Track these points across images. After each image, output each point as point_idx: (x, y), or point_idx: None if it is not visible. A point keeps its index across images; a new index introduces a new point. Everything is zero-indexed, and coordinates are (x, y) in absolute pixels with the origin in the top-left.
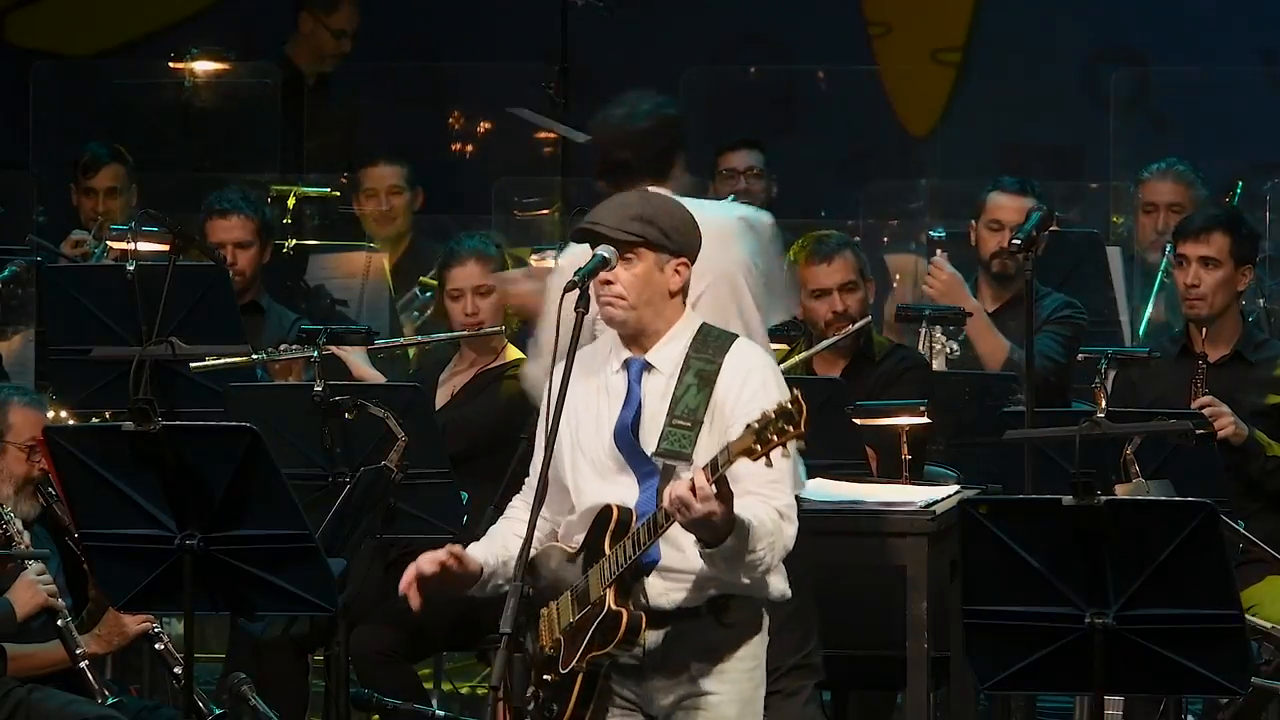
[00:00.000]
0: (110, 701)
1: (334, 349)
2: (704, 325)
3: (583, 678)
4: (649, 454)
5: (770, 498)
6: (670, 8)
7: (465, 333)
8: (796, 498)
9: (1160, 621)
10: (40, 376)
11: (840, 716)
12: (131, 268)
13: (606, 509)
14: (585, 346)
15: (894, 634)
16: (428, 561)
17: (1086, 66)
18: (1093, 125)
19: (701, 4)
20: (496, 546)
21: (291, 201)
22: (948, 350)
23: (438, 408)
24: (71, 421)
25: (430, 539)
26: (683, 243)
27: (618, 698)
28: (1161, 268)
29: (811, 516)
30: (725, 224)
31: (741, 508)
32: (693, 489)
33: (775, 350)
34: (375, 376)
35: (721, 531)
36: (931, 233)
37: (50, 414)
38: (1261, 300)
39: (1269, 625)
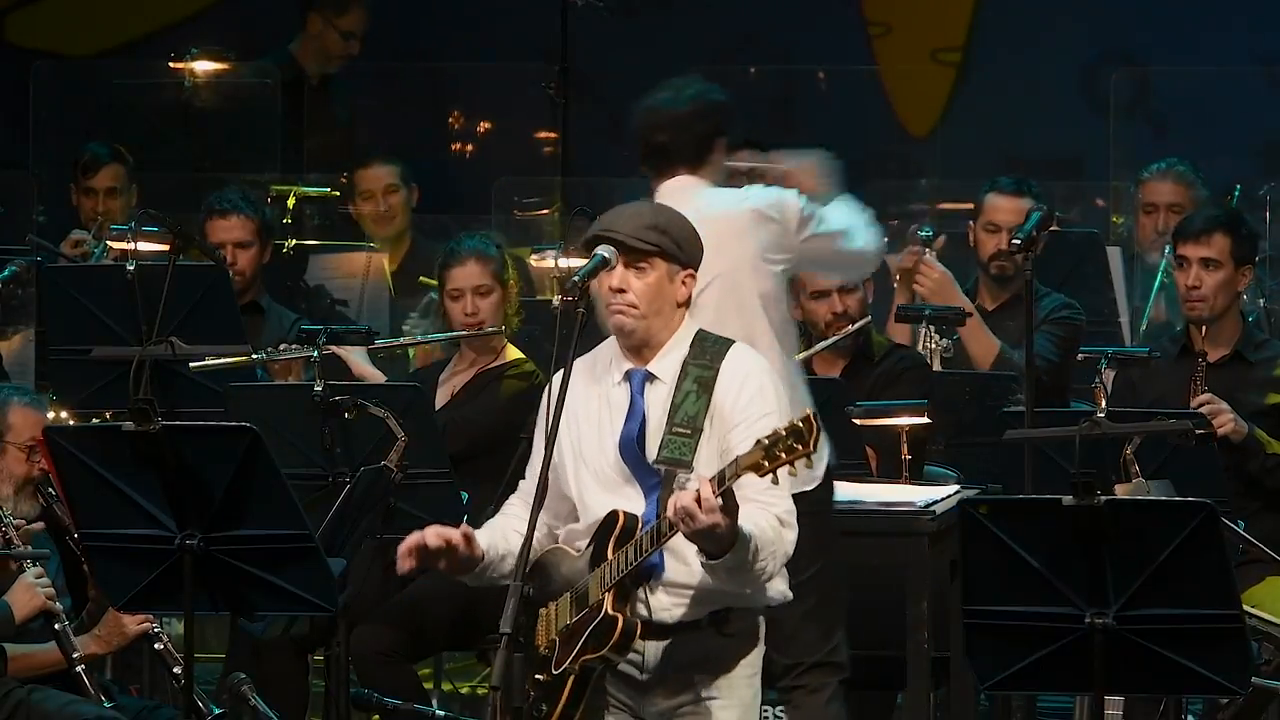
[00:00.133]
0: (109, 705)
1: (334, 348)
2: (700, 332)
3: (574, 679)
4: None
5: (769, 504)
6: (670, 8)
7: (465, 333)
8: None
9: (1160, 621)
10: (40, 376)
11: None
12: (131, 268)
13: (613, 514)
14: (584, 356)
15: (894, 634)
16: (434, 535)
17: (1086, 67)
18: (1093, 125)
19: (701, 4)
20: (496, 538)
21: (291, 201)
22: (941, 349)
23: (438, 408)
24: (71, 421)
25: None
26: (691, 254)
27: (613, 702)
28: (1161, 268)
29: None
30: (732, 220)
31: (743, 517)
32: (698, 500)
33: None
34: (375, 375)
35: (725, 543)
36: (920, 231)
37: (50, 414)
38: (1261, 300)
39: (1268, 617)
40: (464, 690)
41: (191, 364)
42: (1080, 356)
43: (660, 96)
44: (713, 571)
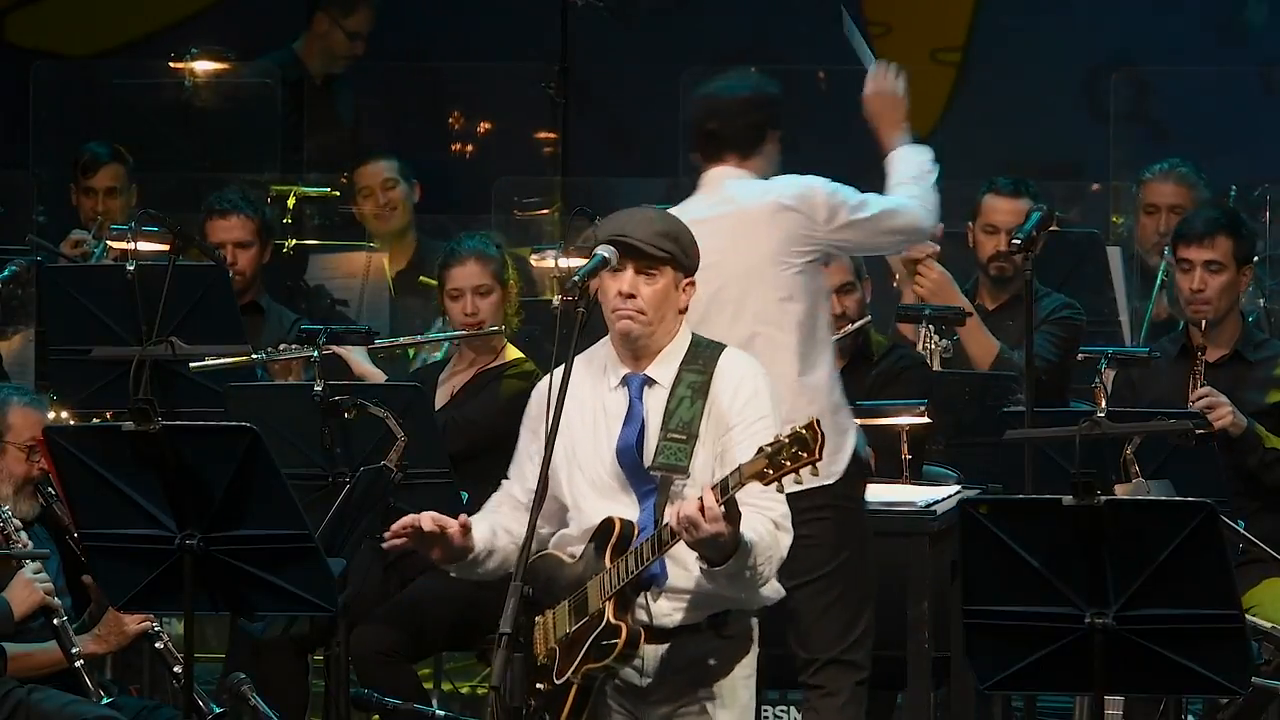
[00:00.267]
0: (106, 701)
1: (334, 348)
2: (694, 337)
3: (577, 689)
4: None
5: (765, 509)
6: (670, 8)
7: (465, 333)
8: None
9: (1160, 621)
10: (40, 376)
11: None
12: (131, 268)
13: (608, 521)
14: (577, 357)
15: (894, 634)
16: (430, 519)
17: (1086, 67)
18: (1092, 125)
19: (701, 4)
20: (487, 534)
21: (291, 201)
22: (941, 349)
23: (438, 408)
24: (71, 421)
25: None
26: (694, 262)
27: (613, 707)
28: (1162, 267)
29: None
30: (752, 213)
31: (741, 524)
32: (701, 509)
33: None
34: (376, 374)
35: (727, 551)
36: None
37: (50, 414)
38: (1261, 300)
39: (1269, 625)
40: (464, 690)
41: (191, 364)
42: (1080, 356)
43: (717, 84)
44: (712, 578)
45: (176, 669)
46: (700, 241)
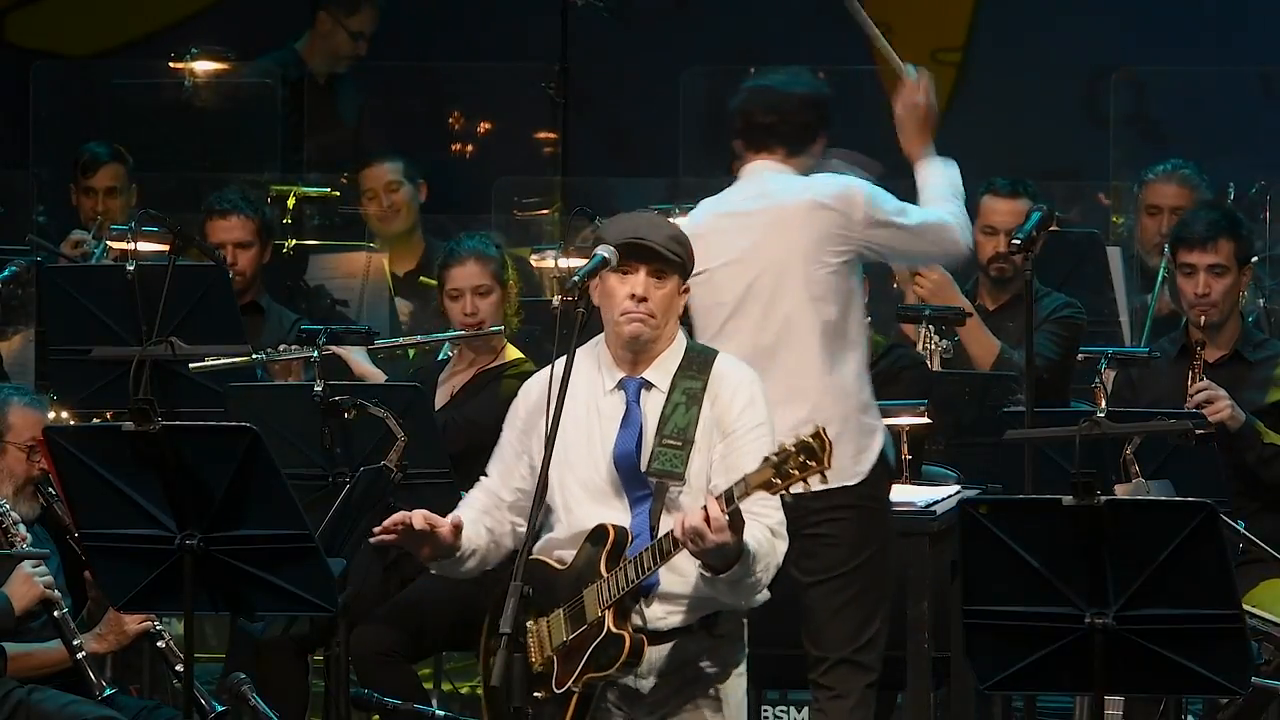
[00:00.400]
0: (108, 693)
1: (334, 349)
2: (689, 343)
3: (578, 698)
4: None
5: (762, 516)
6: (669, 8)
7: (465, 333)
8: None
9: (1160, 621)
10: (40, 376)
11: None
12: (131, 268)
13: (602, 528)
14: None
15: (894, 634)
16: (421, 518)
17: (1086, 67)
18: (1092, 125)
19: (701, 4)
20: (471, 534)
21: (291, 201)
22: (941, 349)
23: (437, 408)
24: (71, 421)
25: None
26: (693, 268)
27: (611, 711)
28: (1163, 264)
29: None
30: (787, 210)
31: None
32: (706, 519)
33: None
34: (375, 374)
35: (730, 559)
36: None
37: (50, 414)
38: (1261, 300)
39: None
40: (464, 690)
41: (191, 365)
42: (1080, 356)
43: (774, 78)
44: (712, 585)
45: (177, 669)
46: (736, 235)
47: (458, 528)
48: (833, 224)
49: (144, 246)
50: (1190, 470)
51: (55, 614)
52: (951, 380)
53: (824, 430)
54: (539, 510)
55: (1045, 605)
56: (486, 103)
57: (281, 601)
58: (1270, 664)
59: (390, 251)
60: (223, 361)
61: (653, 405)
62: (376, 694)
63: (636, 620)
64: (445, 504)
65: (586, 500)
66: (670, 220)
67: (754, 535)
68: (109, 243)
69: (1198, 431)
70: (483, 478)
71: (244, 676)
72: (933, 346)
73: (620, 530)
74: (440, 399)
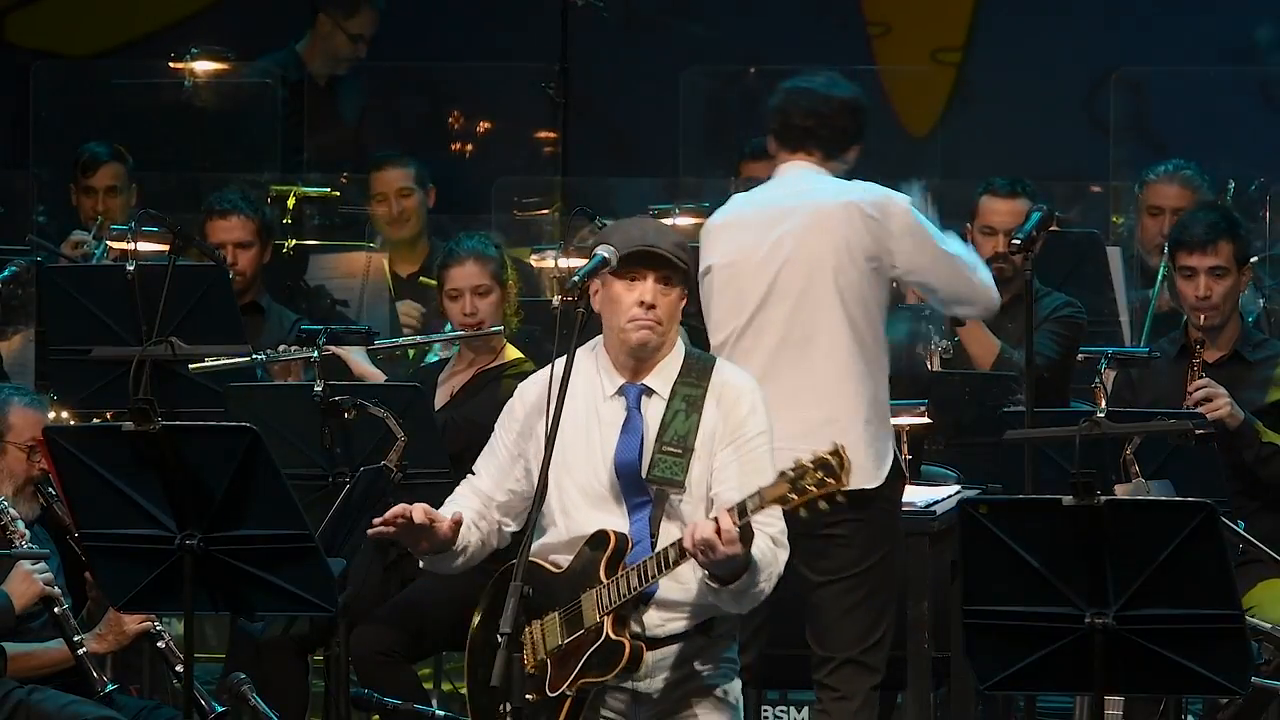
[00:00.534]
0: (110, 688)
1: (334, 349)
2: (688, 350)
3: (570, 702)
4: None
5: (764, 525)
6: (670, 7)
7: (465, 333)
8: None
9: (1160, 621)
10: (40, 376)
11: None
12: (131, 268)
13: (602, 534)
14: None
15: (894, 634)
16: (422, 512)
17: (1086, 68)
18: (1093, 125)
19: (701, 5)
20: (464, 529)
21: (291, 201)
22: (941, 349)
23: (437, 408)
24: (71, 421)
25: None
26: (695, 274)
27: (607, 713)
28: (1163, 265)
29: None
30: (824, 209)
31: None
32: (718, 531)
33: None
34: (375, 374)
35: (739, 571)
36: None
37: (50, 414)
38: (1261, 300)
39: (1269, 626)
40: (464, 690)
41: (191, 366)
42: (1080, 356)
43: (817, 80)
44: (716, 595)
45: (177, 669)
46: (768, 229)
47: (457, 523)
48: (867, 229)
49: (144, 246)
50: (1190, 470)
51: (55, 610)
52: (951, 380)
53: (843, 449)
54: (538, 511)
55: (1045, 605)
56: (486, 103)
57: (281, 601)
58: (1270, 664)
59: (394, 253)
60: (222, 362)
61: (653, 412)
62: (376, 694)
63: (634, 627)
64: (444, 504)
65: (585, 505)
66: (671, 226)
67: (758, 545)
68: (109, 243)
69: (1197, 431)
70: (470, 475)
71: (244, 676)
72: (934, 347)
73: (620, 536)
74: (440, 399)
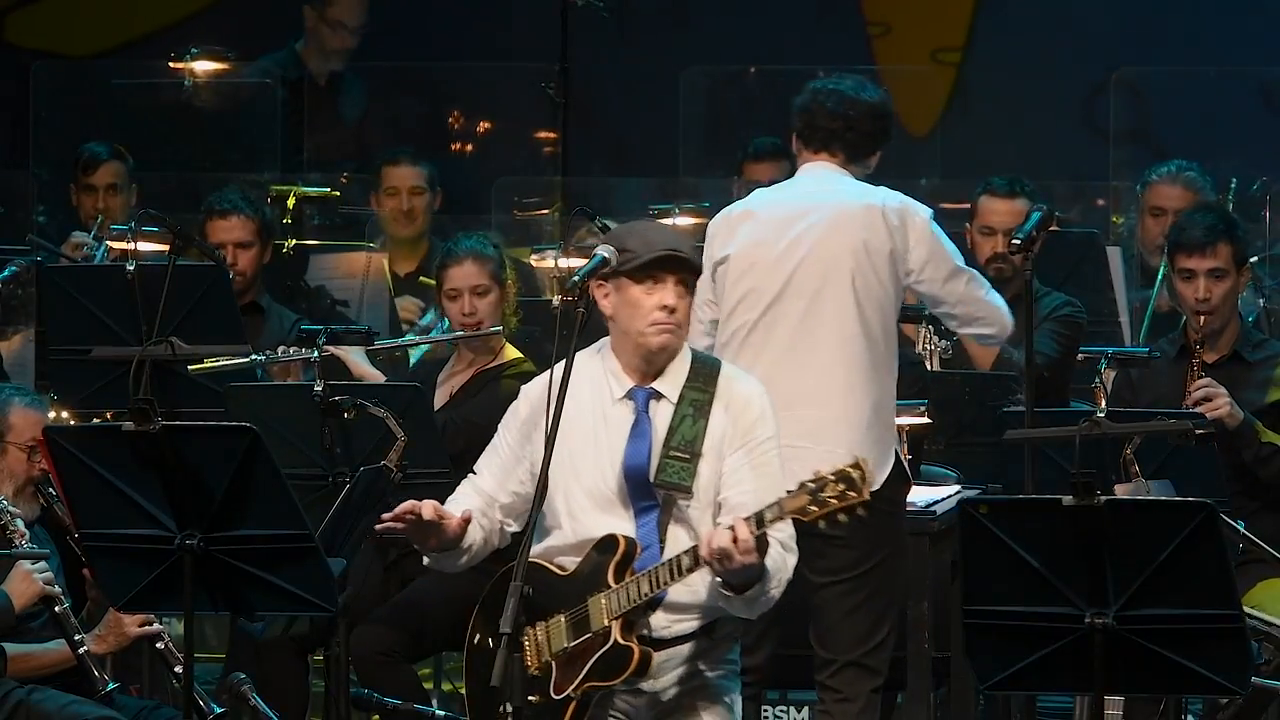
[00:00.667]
0: (110, 687)
1: (333, 349)
2: (694, 353)
3: (575, 704)
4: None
5: (773, 531)
6: (669, 7)
7: (465, 333)
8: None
9: (1160, 621)
10: (40, 376)
11: None
12: (131, 268)
13: (611, 538)
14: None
15: (895, 634)
16: (431, 509)
17: (1086, 67)
18: (1092, 125)
19: (701, 5)
20: (470, 527)
21: (291, 201)
22: (940, 349)
23: (437, 408)
24: (71, 421)
25: None
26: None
27: (610, 714)
28: (1163, 265)
29: None
30: (847, 212)
31: None
32: (734, 540)
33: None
34: (375, 375)
35: (753, 580)
36: None
37: (50, 414)
38: (1261, 300)
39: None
40: (464, 690)
41: (190, 366)
42: (1080, 356)
43: (845, 83)
44: (729, 601)
45: (177, 669)
46: (787, 225)
47: (466, 520)
48: (885, 234)
49: (144, 246)
50: (1190, 470)
51: (56, 609)
52: (951, 380)
53: (864, 462)
54: (538, 511)
55: (1045, 605)
56: (486, 103)
57: (281, 601)
58: (1270, 664)
59: (394, 252)
60: (222, 362)
61: (661, 416)
62: (376, 694)
63: (641, 630)
64: (445, 503)
65: (591, 508)
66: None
67: (770, 552)
68: (109, 243)
69: (1197, 431)
70: (472, 475)
71: (244, 676)
72: (932, 346)
73: (630, 541)
74: (439, 399)
